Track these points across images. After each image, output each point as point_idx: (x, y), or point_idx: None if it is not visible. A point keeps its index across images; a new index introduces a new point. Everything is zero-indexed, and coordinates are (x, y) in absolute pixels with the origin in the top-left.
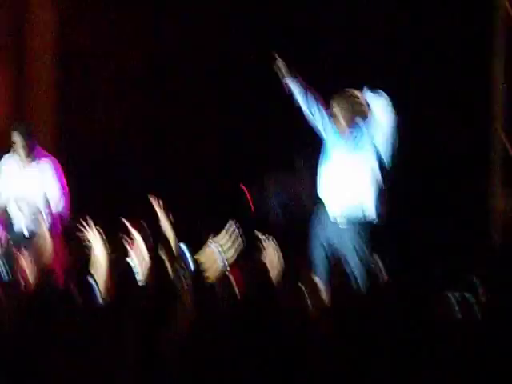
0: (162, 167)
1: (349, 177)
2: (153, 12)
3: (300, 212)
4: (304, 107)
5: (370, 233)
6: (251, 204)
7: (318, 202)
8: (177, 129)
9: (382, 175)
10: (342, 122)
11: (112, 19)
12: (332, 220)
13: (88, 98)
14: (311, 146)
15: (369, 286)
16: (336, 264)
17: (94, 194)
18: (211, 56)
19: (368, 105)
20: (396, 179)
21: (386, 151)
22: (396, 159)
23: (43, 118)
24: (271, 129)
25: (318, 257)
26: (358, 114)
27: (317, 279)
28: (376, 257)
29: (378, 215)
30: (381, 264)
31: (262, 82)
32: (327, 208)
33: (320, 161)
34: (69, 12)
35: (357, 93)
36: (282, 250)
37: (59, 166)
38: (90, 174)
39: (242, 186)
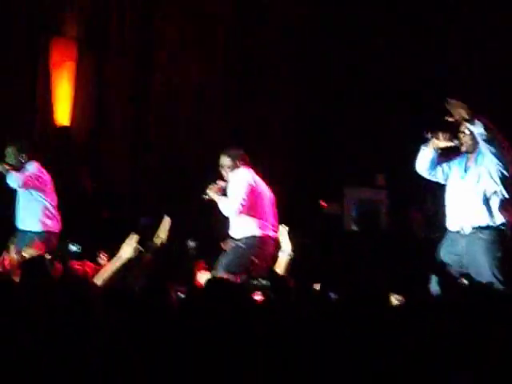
0: None
1: (470, 190)
2: None
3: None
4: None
5: (496, 239)
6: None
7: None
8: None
9: (504, 185)
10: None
11: None
12: (457, 231)
13: None
14: None
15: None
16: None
17: None
18: None
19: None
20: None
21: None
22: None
23: None
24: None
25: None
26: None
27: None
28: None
29: (503, 223)
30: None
31: None
32: (451, 219)
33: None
34: None
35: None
36: None
37: None
38: None
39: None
